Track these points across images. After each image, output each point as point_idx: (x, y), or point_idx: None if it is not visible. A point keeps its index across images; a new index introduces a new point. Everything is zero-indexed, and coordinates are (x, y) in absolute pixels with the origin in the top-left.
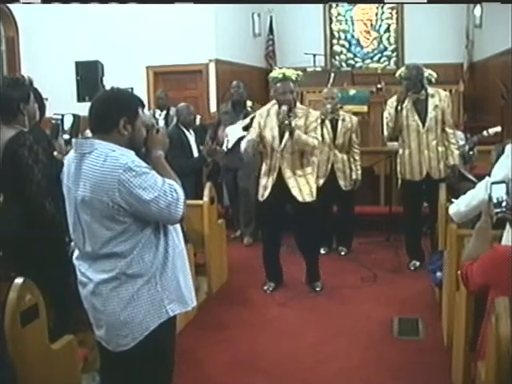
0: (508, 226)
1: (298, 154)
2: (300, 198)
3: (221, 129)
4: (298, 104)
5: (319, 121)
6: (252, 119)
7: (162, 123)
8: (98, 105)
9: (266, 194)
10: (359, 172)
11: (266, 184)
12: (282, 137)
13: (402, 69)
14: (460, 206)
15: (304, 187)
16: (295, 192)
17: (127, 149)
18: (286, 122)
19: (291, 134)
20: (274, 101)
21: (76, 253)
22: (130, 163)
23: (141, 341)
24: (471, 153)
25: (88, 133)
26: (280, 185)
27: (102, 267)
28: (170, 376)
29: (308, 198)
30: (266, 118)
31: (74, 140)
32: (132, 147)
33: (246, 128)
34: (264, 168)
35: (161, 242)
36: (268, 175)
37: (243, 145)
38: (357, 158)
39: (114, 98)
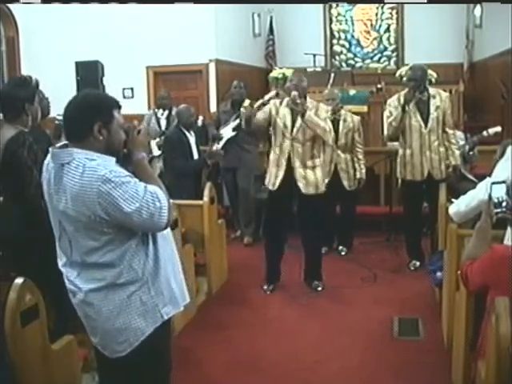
0: (508, 231)
1: (310, 143)
2: (304, 190)
3: (220, 128)
4: (308, 98)
5: (328, 114)
6: (241, 118)
7: (164, 123)
8: (70, 112)
9: (278, 182)
10: (363, 171)
11: (276, 173)
12: (293, 126)
13: (402, 69)
14: (460, 206)
15: (311, 179)
16: (301, 184)
17: (106, 154)
18: (298, 101)
19: (303, 115)
20: (271, 93)
21: (63, 260)
22: (108, 174)
23: (137, 346)
24: (471, 153)
25: (62, 139)
26: (289, 175)
27: (91, 276)
28: (168, 376)
29: (312, 191)
30: (278, 109)
31: (50, 149)
32: (110, 151)
33: (236, 129)
34: (273, 156)
35: (150, 249)
36: (278, 164)
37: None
38: (360, 157)
39: (85, 103)
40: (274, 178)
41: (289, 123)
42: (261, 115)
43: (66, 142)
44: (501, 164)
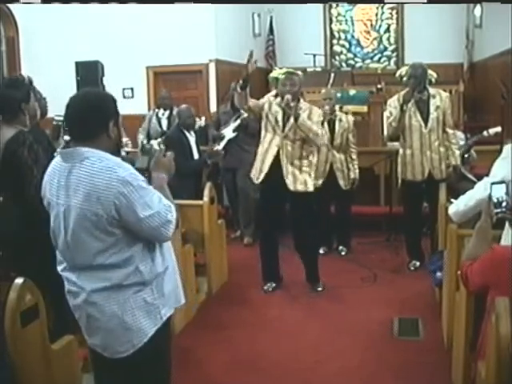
0: (507, 227)
1: (300, 143)
2: (292, 187)
3: (220, 129)
4: (302, 100)
5: (321, 118)
6: (242, 121)
7: (165, 123)
8: (84, 111)
9: (262, 176)
10: (357, 171)
11: (262, 167)
12: (284, 123)
13: (402, 69)
14: (459, 205)
15: (298, 176)
16: (288, 180)
17: (112, 152)
18: (292, 104)
19: (296, 119)
20: (272, 93)
21: (62, 265)
22: (128, 176)
23: (139, 347)
24: (466, 155)
25: (61, 140)
26: (276, 171)
27: (96, 276)
28: (168, 377)
29: (301, 188)
30: (272, 103)
31: (58, 150)
32: (115, 149)
33: (236, 130)
34: (260, 150)
35: (156, 252)
36: (264, 158)
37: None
38: (354, 157)
39: (98, 101)
40: (258, 172)
41: (280, 119)
42: (255, 103)
43: (67, 141)
44: (498, 163)
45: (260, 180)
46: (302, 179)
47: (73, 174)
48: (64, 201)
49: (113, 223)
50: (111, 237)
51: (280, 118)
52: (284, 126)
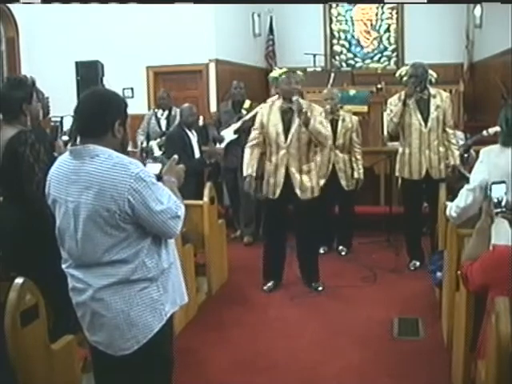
0: (495, 224)
1: (305, 148)
2: (301, 197)
3: (221, 129)
4: (301, 99)
5: (323, 115)
6: (243, 123)
7: (164, 123)
8: (92, 108)
9: (278, 191)
10: (361, 171)
11: (275, 182)
12: (286, 133)
13: (402, 69)
14: (451, 211)
15: (307, 184)
16: (298, 190)
17: (116, 151)
18: (304, 110)
19: (306, 125)
20: (274, 97)
21: (67, 263)
22: (141, 173)
23: (143, 343)
24: (466, 155)
25: (59, 140)
26: (288, 182)
27: (103, 272)
28: (170, 376)
29: (309, 195)
30: (269, 115)
31: (69, 148)
32: (121, 148)
33: (237, 131)
34: (269, 166)
35: (162, 248)
36: (275, 173)
37: (244, 171)
38: (358, 157)
39: (106, 100)
40: (273, 187)
41: (281, 131)
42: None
43: (65, 141)
44: (476, 167)
45: (277, 195)
46: (309, 186)
47: (83, 171)
48: (74, 198)
49: (126, 219)
50: (122, 232)
51: (281, 129)
52: (286, 135)
